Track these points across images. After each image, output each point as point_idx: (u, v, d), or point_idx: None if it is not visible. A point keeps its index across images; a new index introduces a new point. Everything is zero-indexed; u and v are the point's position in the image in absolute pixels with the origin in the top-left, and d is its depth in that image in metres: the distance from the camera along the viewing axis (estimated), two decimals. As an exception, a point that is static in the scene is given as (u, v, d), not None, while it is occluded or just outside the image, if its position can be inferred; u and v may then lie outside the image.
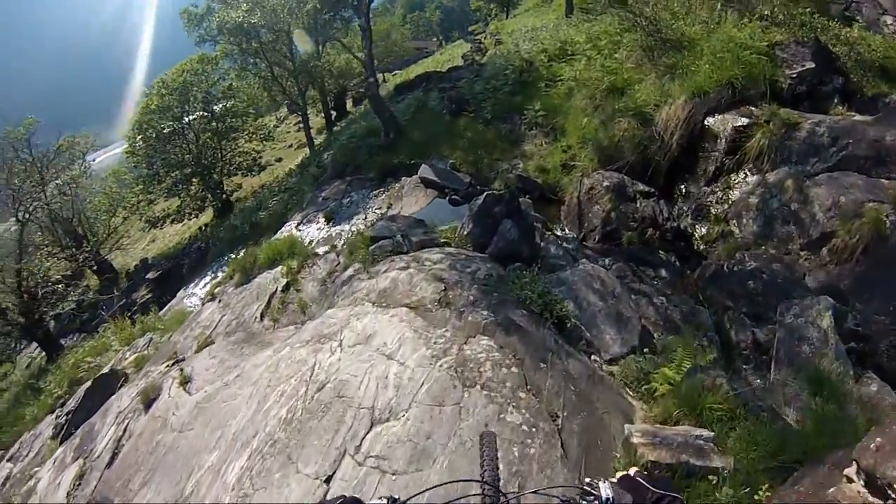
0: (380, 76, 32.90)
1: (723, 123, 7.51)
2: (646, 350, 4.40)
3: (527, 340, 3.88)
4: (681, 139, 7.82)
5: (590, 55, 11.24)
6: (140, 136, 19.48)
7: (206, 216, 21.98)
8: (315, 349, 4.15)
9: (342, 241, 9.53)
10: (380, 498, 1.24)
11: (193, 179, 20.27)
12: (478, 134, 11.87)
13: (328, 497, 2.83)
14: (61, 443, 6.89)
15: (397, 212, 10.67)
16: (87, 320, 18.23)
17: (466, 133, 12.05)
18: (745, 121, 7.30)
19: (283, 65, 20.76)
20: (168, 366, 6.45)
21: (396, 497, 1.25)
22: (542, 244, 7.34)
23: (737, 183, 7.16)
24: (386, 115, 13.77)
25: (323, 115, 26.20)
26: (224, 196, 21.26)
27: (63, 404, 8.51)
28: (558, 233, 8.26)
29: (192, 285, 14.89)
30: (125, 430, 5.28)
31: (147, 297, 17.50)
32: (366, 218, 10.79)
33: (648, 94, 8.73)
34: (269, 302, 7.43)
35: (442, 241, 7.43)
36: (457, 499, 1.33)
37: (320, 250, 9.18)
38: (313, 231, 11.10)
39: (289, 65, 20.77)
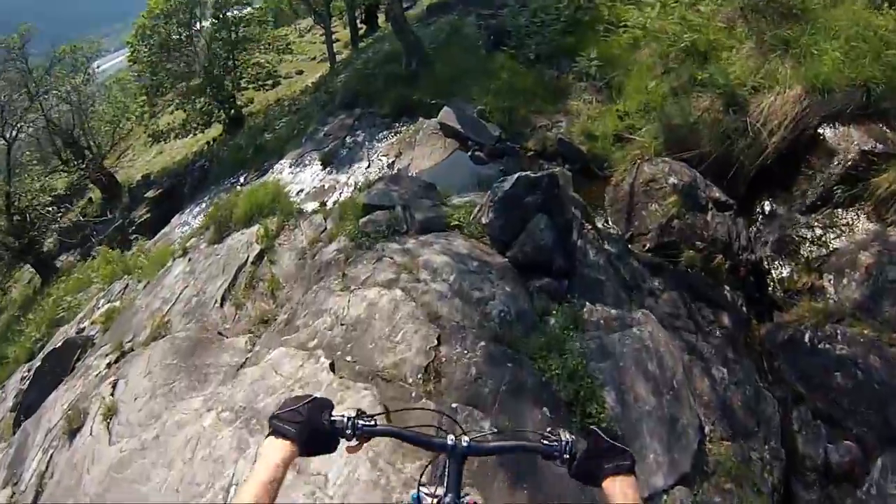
0: (417, -11, 29.59)
1: (845, 139, 5.43)
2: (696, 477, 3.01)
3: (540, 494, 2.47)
4: (781, 142, 5.72)
5: (665, 1, 8.84)
6: (144, 44, 17.57)
7: (216, 130, 20.44)
8: (240, 441, 2.91)
9: (333, 200, 8.07)
10: (348, 409, 1.27)
11: (207, 90, 18.51)
12: (516, 76, 9.79)
13: None
14: (13, 429, 6.31)
15: (406, 164, 8.97)
16: (85, 237, 17.59)
17: (503, 73, 9.95)
18: (877, 146, 5.23)
19: (305, -32, 18.14)
20: (108, 364, 5.57)
21: (364, 412, 1.28)
22: (578, 242, 5.75)
23: (845, 224, 5.21)
24: (409, 39, 11.63)
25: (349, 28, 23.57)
26: (233, 111, 19.55)
27: (42, 348, 8.14)
28: (599, 225, 6.60)
29: (186, 211, 13.84)
30: (48, 463, 4.65)
31: (146, 216, 16.73)
32: (368, 167, 9.17)
33: (744, 70, 6.51)
34: (235, 277, 6.28)
35: (453, 224, 5.93)
36: (419, 426, 1.39)
37: (307, 207, 7.90)
38: (306, 177, 9.61)
39: (311, -31, 18.15)
